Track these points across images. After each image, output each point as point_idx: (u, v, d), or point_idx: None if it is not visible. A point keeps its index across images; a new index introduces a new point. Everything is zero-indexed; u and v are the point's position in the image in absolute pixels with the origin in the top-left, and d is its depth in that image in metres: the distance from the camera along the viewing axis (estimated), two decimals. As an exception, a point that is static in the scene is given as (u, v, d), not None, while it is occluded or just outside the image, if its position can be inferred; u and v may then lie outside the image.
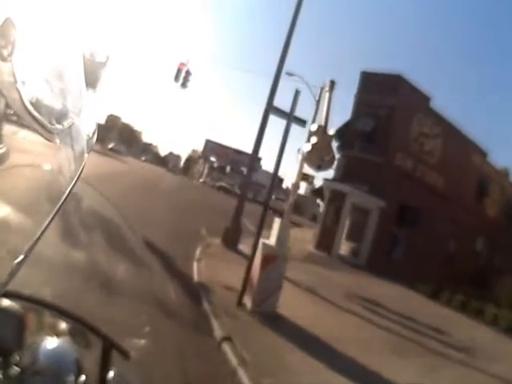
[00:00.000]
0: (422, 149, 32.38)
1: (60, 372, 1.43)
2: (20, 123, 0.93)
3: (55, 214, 1.06)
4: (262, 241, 10.23)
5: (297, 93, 34.38)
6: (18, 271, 0.93)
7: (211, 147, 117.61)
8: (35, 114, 0.95)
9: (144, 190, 29.97)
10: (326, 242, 29.20)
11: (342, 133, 32.28)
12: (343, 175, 31.03)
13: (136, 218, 8.56)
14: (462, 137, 35.51)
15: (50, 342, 1.54)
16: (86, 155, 1.35)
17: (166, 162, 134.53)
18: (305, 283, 14.34)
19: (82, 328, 1.69)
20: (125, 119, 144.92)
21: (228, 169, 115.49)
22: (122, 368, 1.72)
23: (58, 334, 1.64)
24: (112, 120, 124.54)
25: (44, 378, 1.38)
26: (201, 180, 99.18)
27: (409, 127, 31.17)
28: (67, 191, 1.14)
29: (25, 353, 1.41)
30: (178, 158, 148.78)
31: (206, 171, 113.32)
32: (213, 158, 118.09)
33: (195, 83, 34.00)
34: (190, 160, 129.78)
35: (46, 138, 1.03)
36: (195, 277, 11.48)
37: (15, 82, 0.88)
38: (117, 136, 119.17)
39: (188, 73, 26.36)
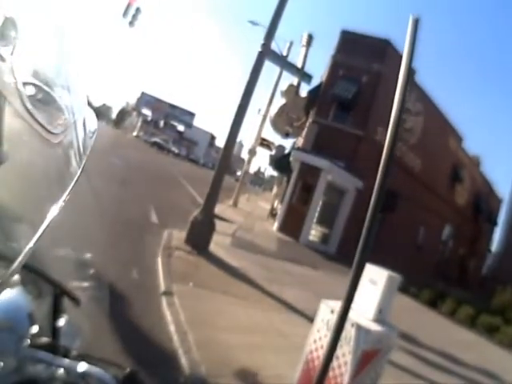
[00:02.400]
0: (403, 126, 28.08)
1: (14, 325, 1.36)
2: (21, 123, 0.95)
3: (56, 214, 1.09)
4: (355, 320, 5.33)
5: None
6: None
7: (146, 100, 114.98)
8: (36, 114, 0.98)
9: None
10: (292, 224, 24.80)
11: (315, 96, 28.03)
12: (314, 146, 26.54)
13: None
14: (441, 117, 33.04)
15: (3, 295, 1.38)
16: (86, 154, 1.41)
17: (101, 113, 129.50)
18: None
19: (33, 276, 1.59)
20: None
21: (162, 123, 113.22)
22: (74, 315, 1.69)
23: (10, 284, 1.47)
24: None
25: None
26: (134, 134, 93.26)
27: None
28: (68, 190, 1.21)
29: None
30: (109, 109, 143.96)
31: (139, 124, 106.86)
32: (146, 112, 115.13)
33: (143, 25, 30.76)
34: (123, 112, 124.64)
35: (47, 138, 1.06)
36: (178, 350, 6.11)
37: (15, 81, 0.91)
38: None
39: (138, 10, 25.53)
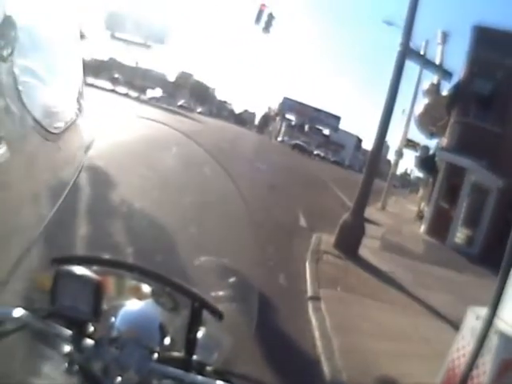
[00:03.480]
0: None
1: (140, 337, 1.38)
2: (20, 122, 0.91)
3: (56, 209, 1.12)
4: (498, 327, 4.94)
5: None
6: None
7: (289, 105, 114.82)
8: (35, 114, 0.98)
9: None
10: (439, 226, 24.10)
11: (455, 95, 27.15)
12: (458, 146, 25.48)
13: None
14: None
15: (129, 307, 1.51)
16: (86, 153, 1.33)
17: (243, 119, 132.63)
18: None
19: (168, 289, 1.60)
20: (197, 76, 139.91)
21: (306, 127, 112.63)
22: (212, 328, 1.64)
23: (140, 297, 1.60)
24: (183, 77, 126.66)
25: (122, 346, 1.34)
26: (279, 139, 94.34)
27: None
28: (68, 187, 1.19)
29: (101, 322, 1.40)
30: (252, 115, 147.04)
31: (283, 129, 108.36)
32: (290, 116, 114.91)
33: (278, 31, 31.16)
34: (266, 117, 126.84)
35: (46, 138, 1.07)
36: (321, 357, 6.07)
37: (15, 82, 0.89)
38: (188, 93, 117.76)
39: (271, 16, 25.70)
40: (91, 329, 1.41)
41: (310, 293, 8.15)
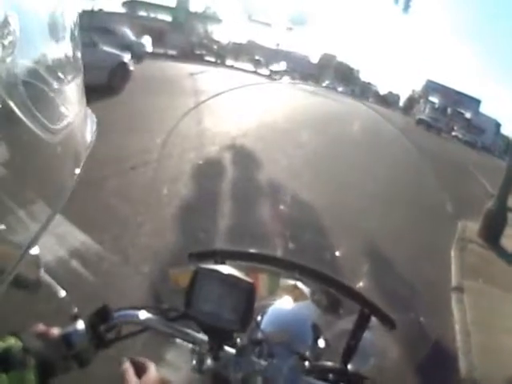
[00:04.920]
0: None
1: (291, 342, 1.24)
2: (19, 121, 0.92)
3: (55, 213, 1.05)
4: None
5: None
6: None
7: (433, 87, 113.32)
8: (35, 113, 0.95)
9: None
10: None
11: None
12: None
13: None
14: None
15: (279, 306, 1.39)
16: (87, 152, 1.28)
17: (386, 101, 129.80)
18: None
19: (331, 291, 1.46)
20: (340, 58, 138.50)
21: (449, 110, 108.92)
22: (378, 335, 1.46)
23: (296, 297, 1.46)
24: (326, 59, 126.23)
25: (268, 353, 1.18)
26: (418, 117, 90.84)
27: None
28: (67, 189, 1.13)
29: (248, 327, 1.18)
30: (396, 96, 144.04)
31: (427, 111, 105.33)
32: (433, 99, 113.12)
33: (419, 8, 30.20)
34: (411, 100, 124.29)
35: (46, 138, 1.02)
36: (458, 351, 5.93)
37: (15, 82, 0.89)
38: (332, 75, 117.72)
39: None
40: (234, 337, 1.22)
41: (454, 283, 7.91)
